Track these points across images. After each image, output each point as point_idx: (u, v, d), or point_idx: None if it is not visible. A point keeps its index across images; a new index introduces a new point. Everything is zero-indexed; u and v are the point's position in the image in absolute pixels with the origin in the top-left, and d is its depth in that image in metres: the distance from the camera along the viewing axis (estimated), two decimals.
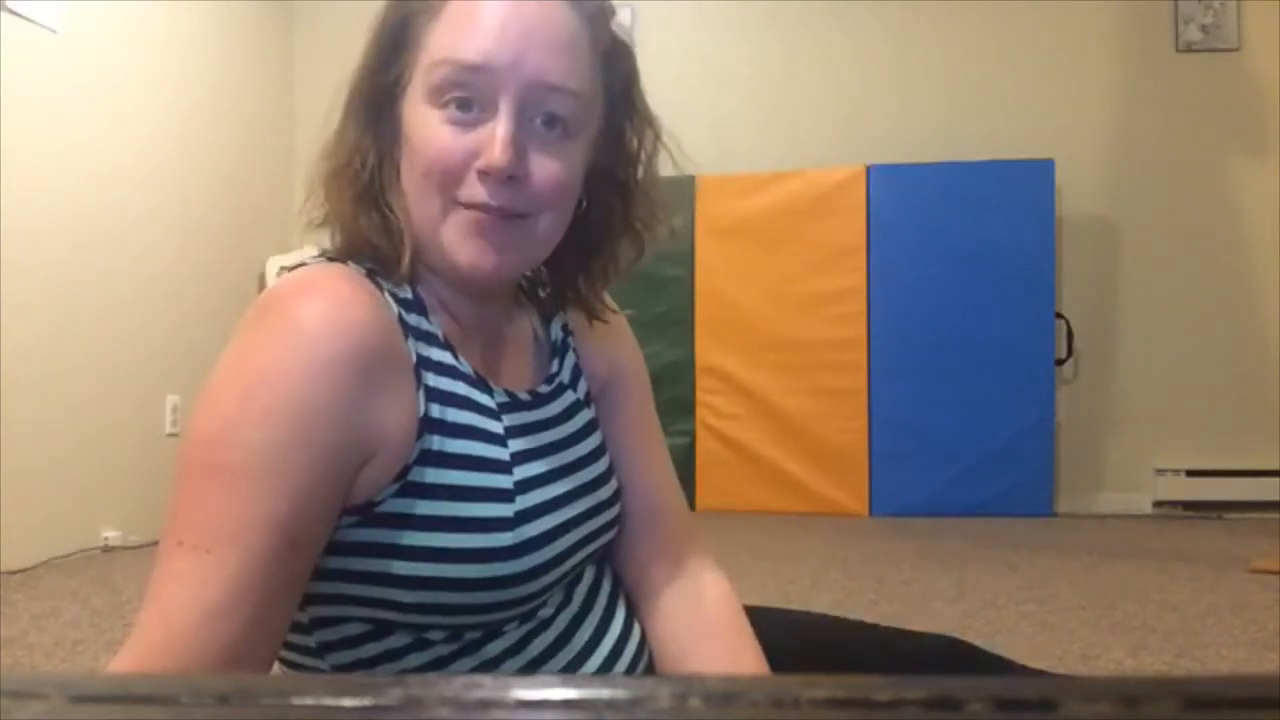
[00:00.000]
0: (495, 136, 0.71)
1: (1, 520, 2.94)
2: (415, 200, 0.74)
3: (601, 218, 0.82)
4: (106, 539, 3.36)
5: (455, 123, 0.72)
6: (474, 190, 0.72)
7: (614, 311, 0.92)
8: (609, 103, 0.79)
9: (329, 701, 0.22)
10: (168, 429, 3.68)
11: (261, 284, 4.17)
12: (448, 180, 0.72)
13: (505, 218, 0.73)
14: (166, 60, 3.78)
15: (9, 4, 3.04)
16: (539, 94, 0.72)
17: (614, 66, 0.79)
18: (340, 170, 0.76)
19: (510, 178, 0.72)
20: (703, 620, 0.87)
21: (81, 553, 3.25)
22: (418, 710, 0.22)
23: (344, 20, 4.70)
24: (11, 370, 3.03)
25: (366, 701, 0.22)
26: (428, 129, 0.73)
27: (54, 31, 3.23)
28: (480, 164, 0.72)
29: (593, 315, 0.88)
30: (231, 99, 4.17)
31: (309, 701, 0.22)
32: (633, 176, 0.82)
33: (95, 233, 3.39)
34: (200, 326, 3.78)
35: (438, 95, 0.72)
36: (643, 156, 0.82)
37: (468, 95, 0.72)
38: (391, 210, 0.75)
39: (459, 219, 0.73)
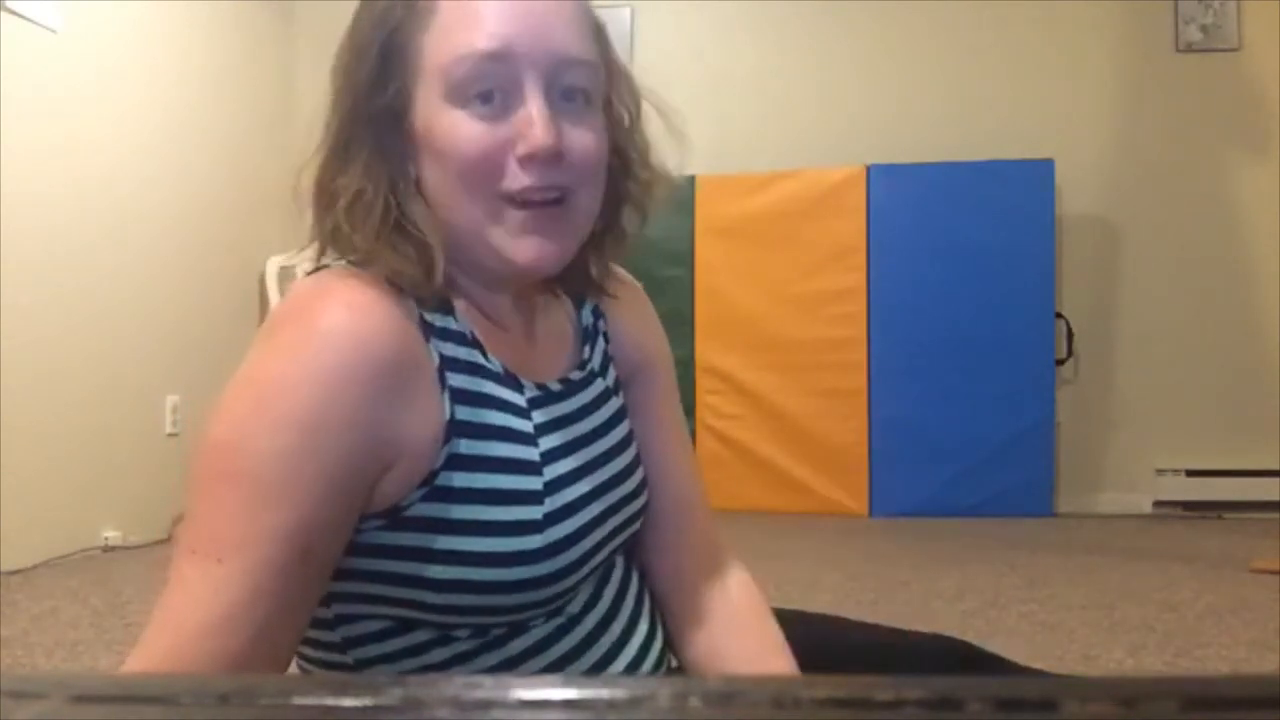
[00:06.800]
0: (532, 118, 0.70)
1: (1, 520, 2.94)
2: (453, 207, 0.73)
3: (606, 191, 0.80)
4: (106, 539, 3.36)
5: (483, 117, 0.71)
6: (518, 179, 0.71)
7: (623, 284, 0.90)
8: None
9: (329, 701, 0.22)
10: (168, 429, 3.68)
11: (262, 284, 4.17)
12: (489, 175, 0.71)
13: (552, 207, 0.73)
14: (166, 60, 3.78)
15: (9, 4, 3.04)
16: (561, 69, 0.72)
17: (601, 35, 0.79)
18: (358, 198, 0.73)
19: (554, 156, 0.71)
20: (734, 614, 0.87)
21: (81, 553, 3.24)
22: (418, 710, 0.22)
23: (344, 20, 4.68)
24: (11, 370, 3.02)
25: (366, 701, 0.22)
26: (456, 130, 0.71)
27: (54, 31, 3.23)
28: (523, 149, 0.71)
29: (605, 293, 0.87)
30: (231, 98, 4.16)
31: (309, 701, 0.22)
32: (629, 142, 0.81)
33: (95, 232, 3.39)
34: (200, 326, 3.78)
35: (460, 93, 0.71)
36: (631, 121, 0.81)
37: (490, 86, 0.71)
38: (417, 228, 0.73)
39: (508, 219, 0.72)
